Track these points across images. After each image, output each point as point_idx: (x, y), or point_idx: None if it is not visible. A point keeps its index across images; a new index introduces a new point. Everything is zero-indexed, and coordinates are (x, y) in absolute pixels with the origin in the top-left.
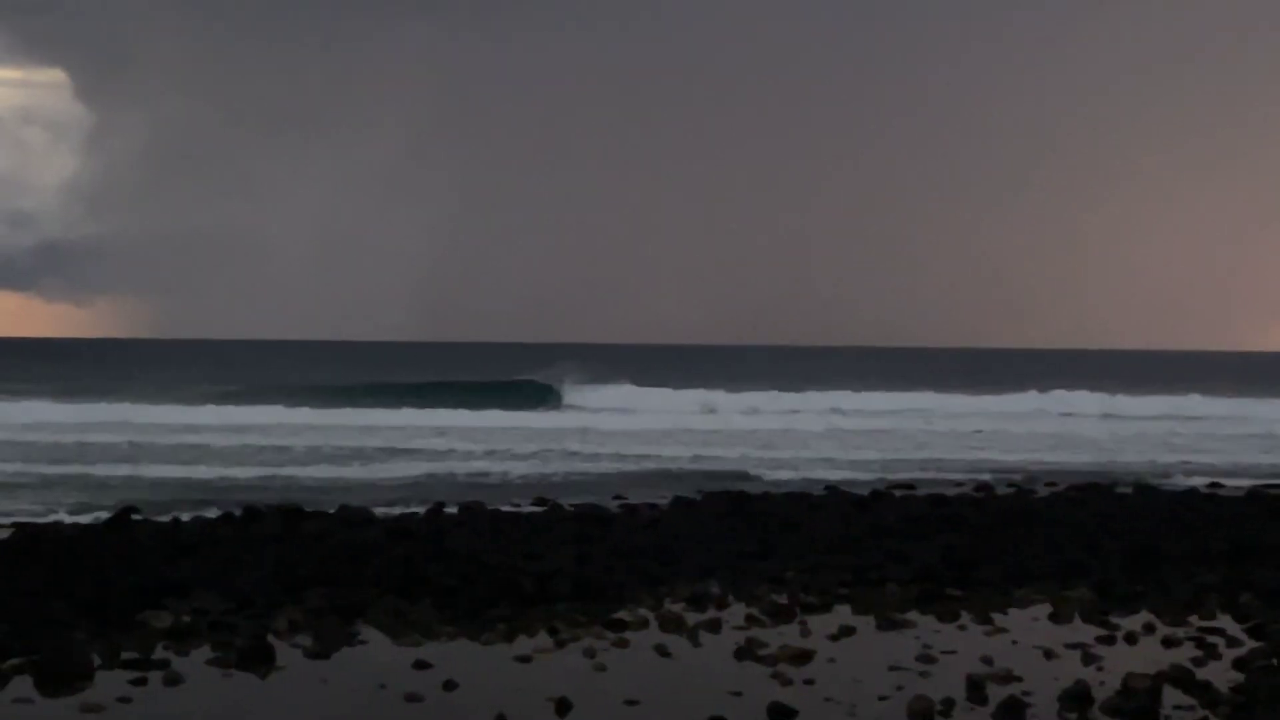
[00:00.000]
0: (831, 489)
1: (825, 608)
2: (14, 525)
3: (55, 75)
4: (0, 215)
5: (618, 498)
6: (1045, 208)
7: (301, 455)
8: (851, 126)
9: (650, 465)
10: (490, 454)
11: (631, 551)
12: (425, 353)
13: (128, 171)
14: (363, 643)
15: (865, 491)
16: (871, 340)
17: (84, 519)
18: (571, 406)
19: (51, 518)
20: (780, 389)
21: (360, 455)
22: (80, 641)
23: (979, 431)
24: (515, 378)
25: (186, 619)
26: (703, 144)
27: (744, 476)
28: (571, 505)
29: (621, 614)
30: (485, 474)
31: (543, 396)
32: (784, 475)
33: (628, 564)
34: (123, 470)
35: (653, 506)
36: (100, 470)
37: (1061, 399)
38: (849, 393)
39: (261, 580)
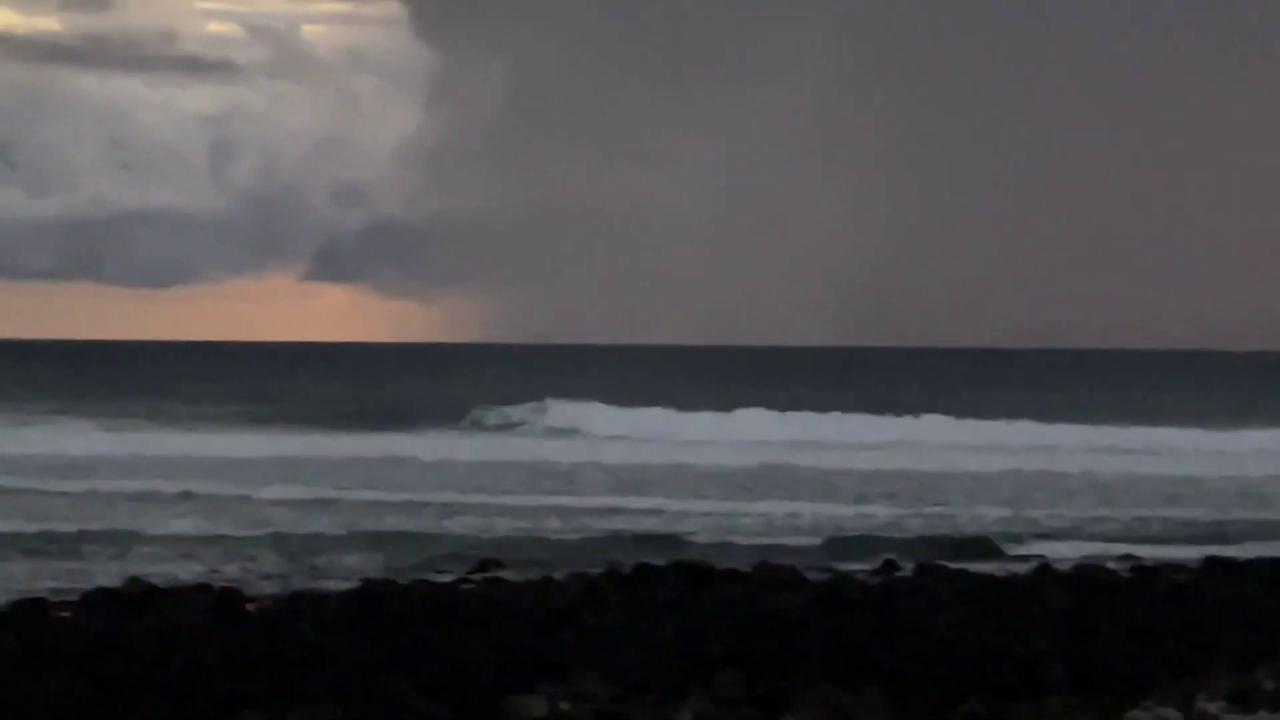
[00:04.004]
0: None
1: None
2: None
3: (390, 8)
4: (324, 188)
5: (1128, 559)
6: None
7: (707, 501)
8: None
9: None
10: None
11: (1149, 629)
12: (852, 361)
13: (482, 130)
14: None
15: None
16: None
17: (436, 577)
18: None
19: (392, 576)
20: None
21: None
22: None
23: None
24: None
25: (565, 706)
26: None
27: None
28: (1063, 567)
29: (1136, 713)
30: None
31: None
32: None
33: (1144, 646)
34: (475, 517)
35: (1177, 569)
36: (446, 519)
37: None
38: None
39: (659, 659)
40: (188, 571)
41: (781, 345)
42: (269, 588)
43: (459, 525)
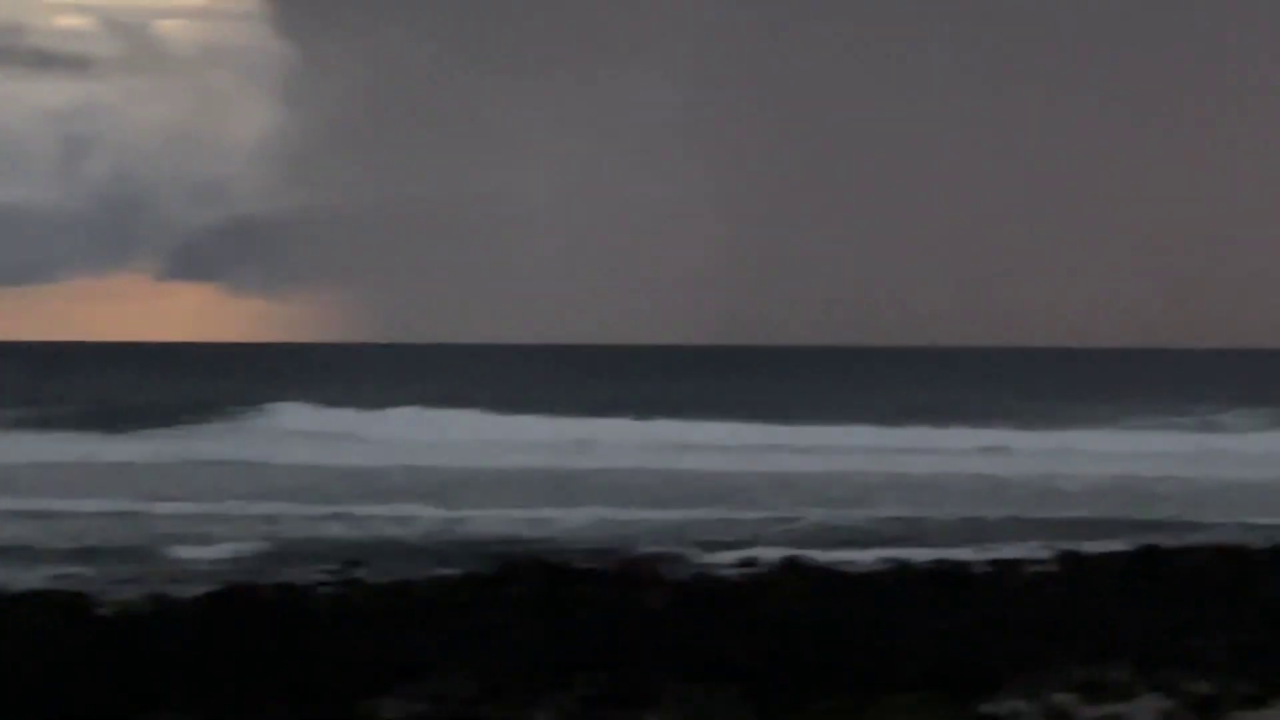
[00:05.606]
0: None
1: (1261, 701)
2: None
3: (248, 3)
4: (180, 185)
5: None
6: None
7: (565, 497)
8: None
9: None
10: None
11: (1005, 623)
12: (716, 360)
13: (340, 127)
14: None
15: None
16: None
17: (295, 578)
18: None
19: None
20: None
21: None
22: None
23: None
24: None
25: (421, 708)
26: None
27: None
28: (925, 562)
29: (990, 706)
30: None
31: None
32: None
33: (999, 639)
34: (332, 521)
35: (1035, 563)
36: (296, 518)
37: None
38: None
39: (519, 660)
40: (24, 581)
41: (638, 344)
42: (118, 594)
43: (297, 530)
